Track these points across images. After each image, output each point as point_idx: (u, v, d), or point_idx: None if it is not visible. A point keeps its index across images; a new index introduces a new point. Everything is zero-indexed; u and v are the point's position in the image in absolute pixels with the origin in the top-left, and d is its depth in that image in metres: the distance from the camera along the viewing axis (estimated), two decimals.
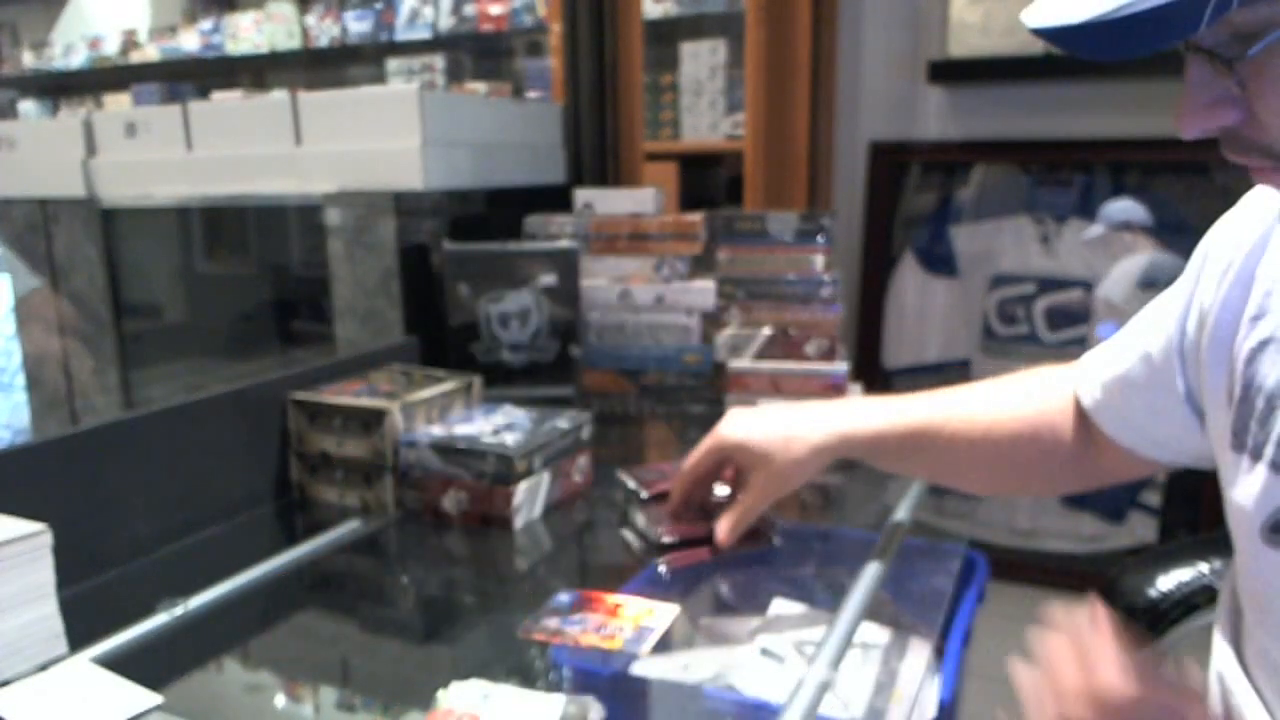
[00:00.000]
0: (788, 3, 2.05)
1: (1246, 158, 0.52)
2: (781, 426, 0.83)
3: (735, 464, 0.87)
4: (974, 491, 0.93)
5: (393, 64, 3.20)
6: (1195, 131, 0.51)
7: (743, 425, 0.85)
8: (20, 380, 1.77)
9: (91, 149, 1.63)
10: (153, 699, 0.67)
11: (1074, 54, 0.48)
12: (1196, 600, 0.89)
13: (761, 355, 1.41)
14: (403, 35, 3.16)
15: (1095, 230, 2.04)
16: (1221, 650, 0.67)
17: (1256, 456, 0.60)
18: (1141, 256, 2.02)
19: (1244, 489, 0.61)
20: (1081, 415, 0.79)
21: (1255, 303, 0.63)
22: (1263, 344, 0.61)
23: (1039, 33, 0.48)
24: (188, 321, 1.87)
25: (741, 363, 1.41)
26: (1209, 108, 0.50)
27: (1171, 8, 0.43)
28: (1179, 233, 2.01)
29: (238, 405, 1.04)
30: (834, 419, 0.83)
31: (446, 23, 3.07)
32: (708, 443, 0.86)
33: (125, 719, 0.65)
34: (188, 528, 0.98)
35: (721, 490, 0.91)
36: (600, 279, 1.45)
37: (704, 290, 1.43)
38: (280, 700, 0.77)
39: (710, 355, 1.43)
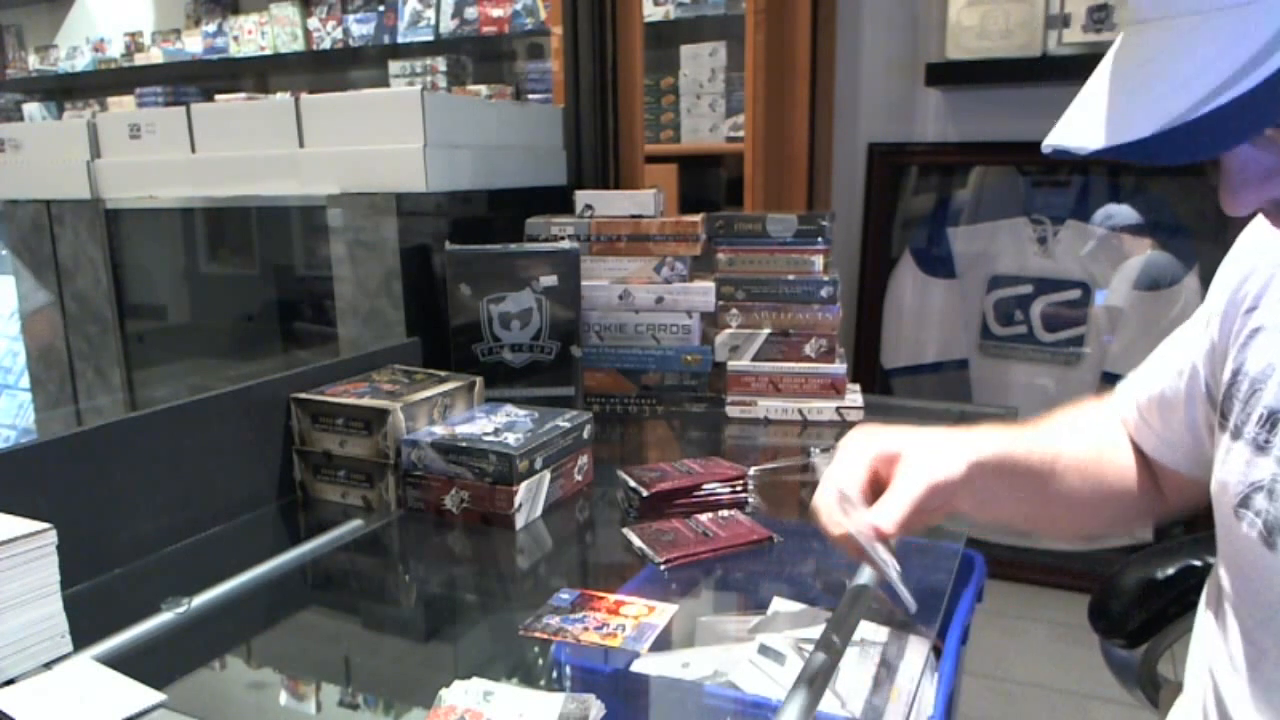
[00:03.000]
0: (787, 6, 2.05)
1: None
2: (921, 438, 0.71)
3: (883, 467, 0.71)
4: (1058, 533, 0.91)
5: (395, 66, 3.21)
6: (1248, 209, 0.50)
7: (883, 433, 0.72)
8: (25, 380, 1.78)
9: (96, 151, 1.64)
10: (156, 697, 0.67)
11: (1145, 163, 0.44)
12: (1193, 597, 0.89)
13: (761, 356, 1.42)
14: (405, 38, 3.17)
15: (1091, 235, 2.05)
16: (1205, 625, 0.69)
17: (1237, 435, 0.63)
18: (1138, 258, 2.03)
19: (1224, 466, 0.63)
20: (1139, 448, 0.79)
21: (1251, 295, 0.66)
22: (1253, 332, 0.64)
23: (1100, 154, 0.45)
24: (191, 322, 1.87)
25: (741, 363, 1.42)
26: (1262, 182, 0.48)
27: (1254, 95, 0.40)
28: (1174, 234, 2.01)
29: (241, 405, 1.05)
30: (960, 439, 0.72)
31: (448, 25, 3.08)
32: (854, 451, 0.71)
33: (128, 716, 0.65)
34: (191, 527, 0.99)
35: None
36: (601, 280, 1.46)
37: (704, 291, 1.43)
38: (283, 698, 0.77)
39: (710, 355, 1.44)
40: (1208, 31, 0.42)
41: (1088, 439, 0.80)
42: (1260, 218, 0.70)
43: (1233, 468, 0.62)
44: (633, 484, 1.03)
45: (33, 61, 4.08)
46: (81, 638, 0.73)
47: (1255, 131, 0.43)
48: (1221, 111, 0.41)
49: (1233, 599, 0.64)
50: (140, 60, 3.77)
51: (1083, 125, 0.47)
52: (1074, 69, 1.90)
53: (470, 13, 3.03)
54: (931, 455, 0.69)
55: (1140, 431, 0.78)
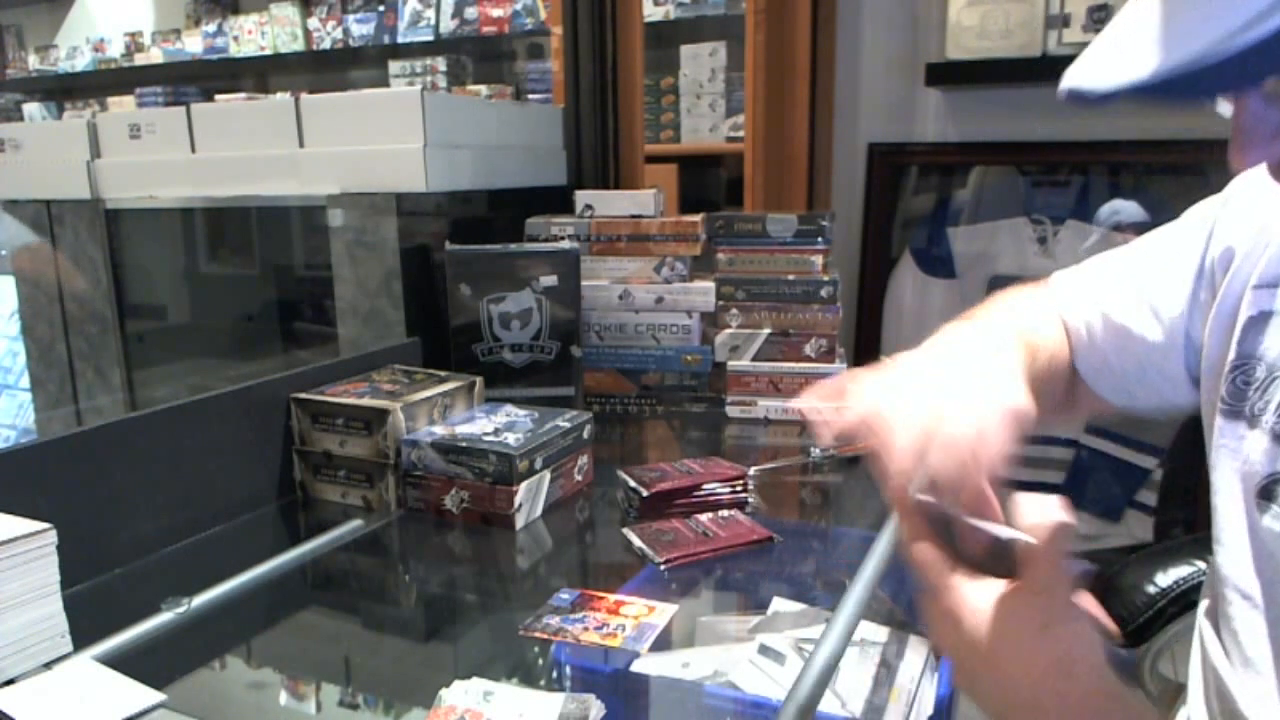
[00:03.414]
0: (787, 5, 2.05)
1: None
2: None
3: None
4: None
5: (395, 66, 3.21)
6: (1254, 164, 0.50)
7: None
8: (25, 380, 1.78)
9: (96, 151, 1.64)
10: (156, 697, 0.67)
11: (1164, 104, 0.44)
12: (1194, 596, 0.89)
13: (761, 356, 1.42)
14: (405, 38, 3.17)
15: (1092, 239, 2.04)
16: (1208, 625, 0.68)
17: (1254, 424, 0.61)
18: None
19: (1237, 455, 0.62)
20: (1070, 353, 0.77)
21: (1258, 273, 0.64)
22: (1265, 315, 0.63)
23: (1114, 94, 0.45)
24: (191, 322, 1.87)
25: (741, 363, 1.42)
26: (1269, 140, 0.48)
27: (1263, 44, 0.39)
28: None
29: (241, 405, 1.05)
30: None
31: (448, 25, 3.08)
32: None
33: (128, 717, 0.65)
34: (191, 527, 0.99)
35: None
36: (601, 280, 1.46)
37: (704, 291, 1.43)
38: (283, 698, 0.77)
39: (710, 355, 1.44)
40: None
41: (1052, 337, 0.77)
42: (1242, 192, 0.69)
43: (1248, 456, 0.61)
44: (633, 484, 1.03)
45: (33, 61, 4.08)
46: (81, 638, 0.73)
47: (1257, 80, 0.43)
48: (1257, 47, 0.40)
49: (1249, 593, 0.63)
50: (140, 60, 3.77)
51: (1099, 64, 0.47)
52: None
53: (470, 13, 3.03)
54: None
55: (1083, 350, 0.76)
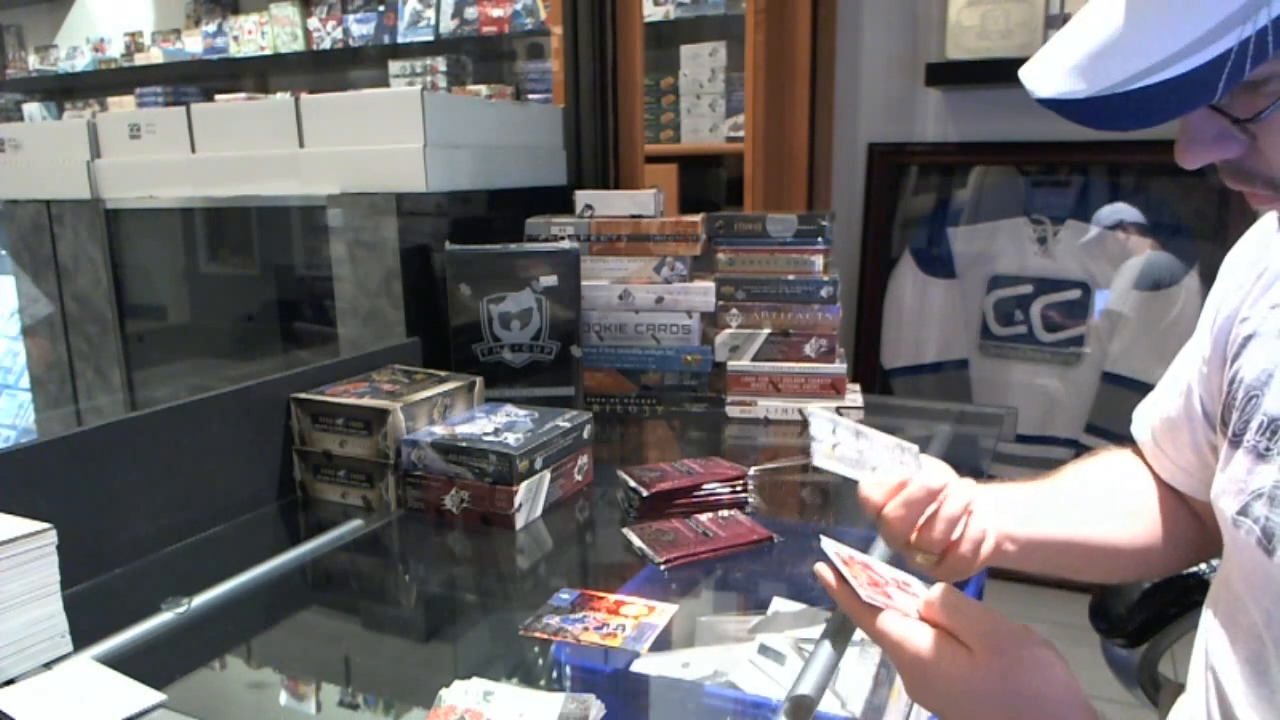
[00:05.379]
0: (787, 5, 2.05)
1: (1248, 185, 0.52)
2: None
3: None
4: (1091, 579, 0.90)
5: (395, 66, 3.21)
6: (1197, 163, 0.51)
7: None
8: (25, 380, 1.78)
9: (96, 151, 1.64)
10: (156, 697, 0.67)
11: (1079, 124, 0.46)
12: (1194, 596, 0.89)
13: (761, 356, 1.42)
14: (405, 38, 3.17)
15: (1091, 234, 2.05)
16: (1209, 625, 0.69)
17: (1236, 444, 0.62)
18: (1138, 258, 2.03)
19: (1224, 474, 0.63)
20: (1165, 485, 0.78)
21: (1245, 306, 0.66)
22: (1246, 339, 0.64)
23: (1043, 103, 0.47)
24: (191, 322, 1.87)
25: (741, 363, 1.42)
26: (1213, 142, 0.50)
27: (1186, 80, 0.41)
28: (1175, 233, 2.01)
29: (241, 405, 1.05)
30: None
31: (448, 25, 3.08)
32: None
33: (128, 717, 0.65)
34: (191, 527, 0.99)
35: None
36: (601, 280, 1.46)
37: (704, 291, 1.43)
38: (283, 698, 0.78)
39: (710, 355, 1.44)
40: (1167, 2, 0.43)
41: (1120, 486, 0.78)
42: (1246, 240, 0.70)
43: (1233, 476, 0.62)
44: (633, 484, 1.03)
45: (33, 61, 4.08)
46: (81, 638, 0.73)
47: (1188, 109, 0.44)
48: (1160, 87, 0.42)
49: (1236, 602, 0.64)
50: (140, 60, 3.77)
51: (1043, 69, 0.48)
52: None
53: (470, 13, 3.03)
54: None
55: (1156, 458, 0.77)
